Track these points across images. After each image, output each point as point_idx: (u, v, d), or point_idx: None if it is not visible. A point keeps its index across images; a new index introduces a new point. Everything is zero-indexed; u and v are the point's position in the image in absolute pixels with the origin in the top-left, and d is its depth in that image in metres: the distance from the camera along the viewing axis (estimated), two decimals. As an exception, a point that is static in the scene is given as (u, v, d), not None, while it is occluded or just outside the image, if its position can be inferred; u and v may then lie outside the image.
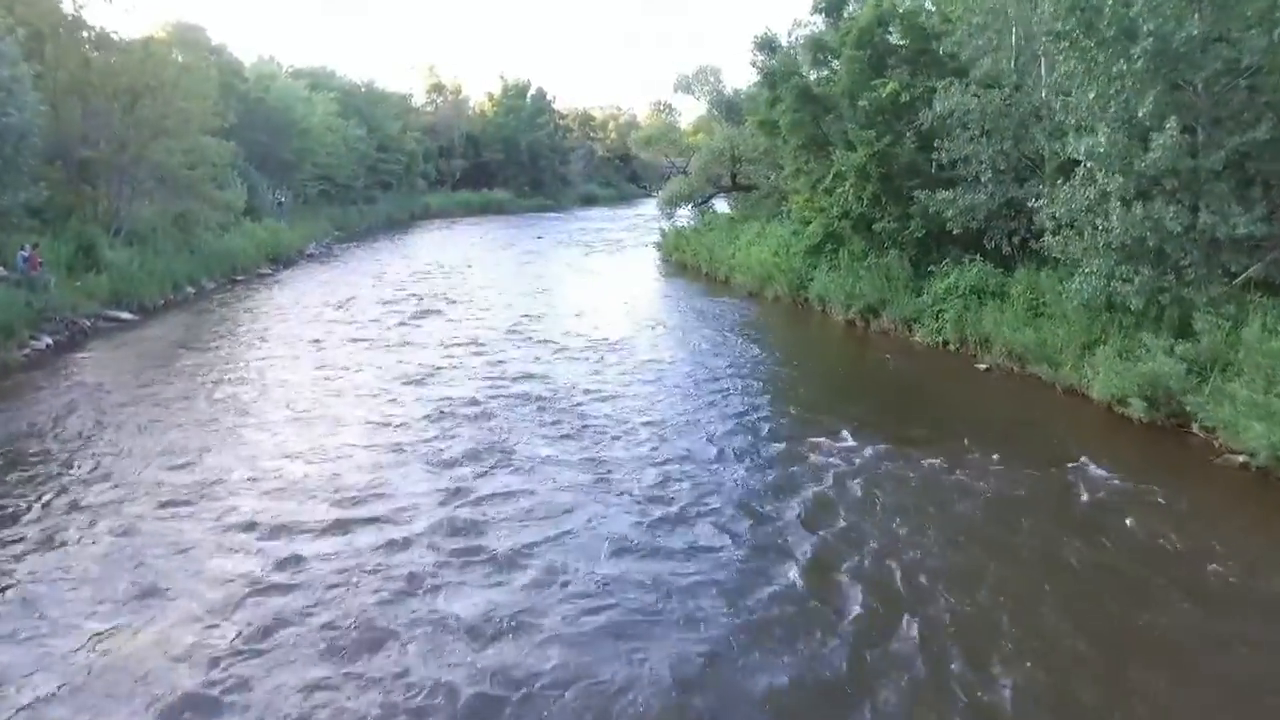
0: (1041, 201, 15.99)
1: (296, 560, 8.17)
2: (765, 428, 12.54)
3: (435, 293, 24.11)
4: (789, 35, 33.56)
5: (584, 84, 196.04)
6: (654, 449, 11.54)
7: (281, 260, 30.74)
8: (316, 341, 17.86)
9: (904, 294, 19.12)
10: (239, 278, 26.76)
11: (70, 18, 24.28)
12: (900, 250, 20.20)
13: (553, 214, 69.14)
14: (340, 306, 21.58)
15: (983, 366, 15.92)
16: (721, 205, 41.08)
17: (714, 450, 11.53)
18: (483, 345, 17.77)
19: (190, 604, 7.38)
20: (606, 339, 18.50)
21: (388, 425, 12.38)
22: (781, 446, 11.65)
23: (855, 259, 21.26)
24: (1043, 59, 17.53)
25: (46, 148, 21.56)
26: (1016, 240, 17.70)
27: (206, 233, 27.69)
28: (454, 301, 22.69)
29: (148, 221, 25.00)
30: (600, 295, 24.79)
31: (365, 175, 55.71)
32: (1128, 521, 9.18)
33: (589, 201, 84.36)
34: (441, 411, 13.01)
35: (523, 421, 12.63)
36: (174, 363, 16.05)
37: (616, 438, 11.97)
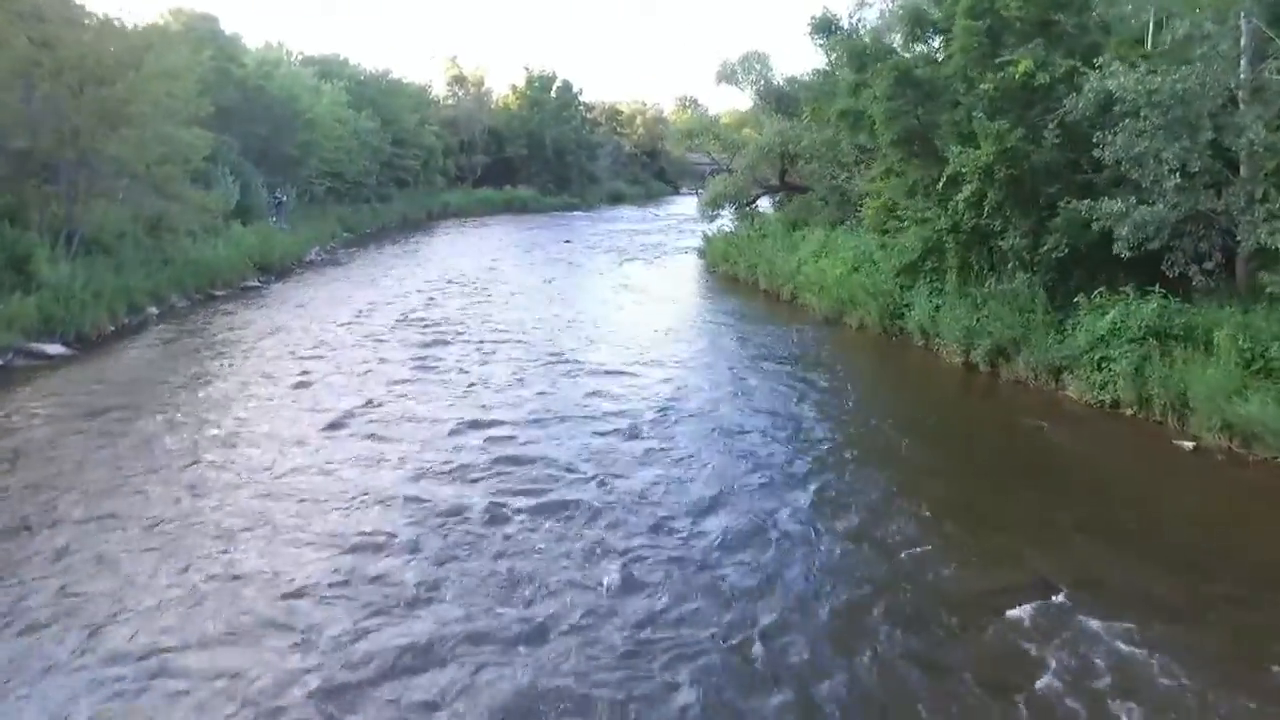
0: (1258, 215, 11.71)
1: None
2: (925, 576, 8.13)
3: (444, 321, 19.83)
4: (850, 17, 29.46)
5: (608, 79, 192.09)
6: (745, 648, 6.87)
7: (274, 269, 26.75)
8: (285, 403, 13.43)
9: (1043, 332, 14.80)
10: (218, 292, 22.78)
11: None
12: (1032, 274, 15.91)
13: (579, 213, 65.06)
14: (324, 345, 17.21)
15: (1188, 445, 11.56)
16: (753, 209, 36.90)
17: (846, 653, 6.87)
18: (498, 416, 12.92)
19: None
20: (662, 398, 14.12)
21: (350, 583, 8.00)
22: (962, 624, 7.30)
23: (970, 282, 16.96)
24: (1244, 21, 13.17)
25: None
26: (1211, 266, 13.35)
27: (186, 239, 23.85)
28: (465, 336, 18.25)
29: (112, 227, 21.11)
30: (644, 323, 20.47)
31: (379, 172, 51.79)
32: None
33: (616, 200, 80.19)
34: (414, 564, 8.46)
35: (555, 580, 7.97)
36: (68, 438, 11.40)
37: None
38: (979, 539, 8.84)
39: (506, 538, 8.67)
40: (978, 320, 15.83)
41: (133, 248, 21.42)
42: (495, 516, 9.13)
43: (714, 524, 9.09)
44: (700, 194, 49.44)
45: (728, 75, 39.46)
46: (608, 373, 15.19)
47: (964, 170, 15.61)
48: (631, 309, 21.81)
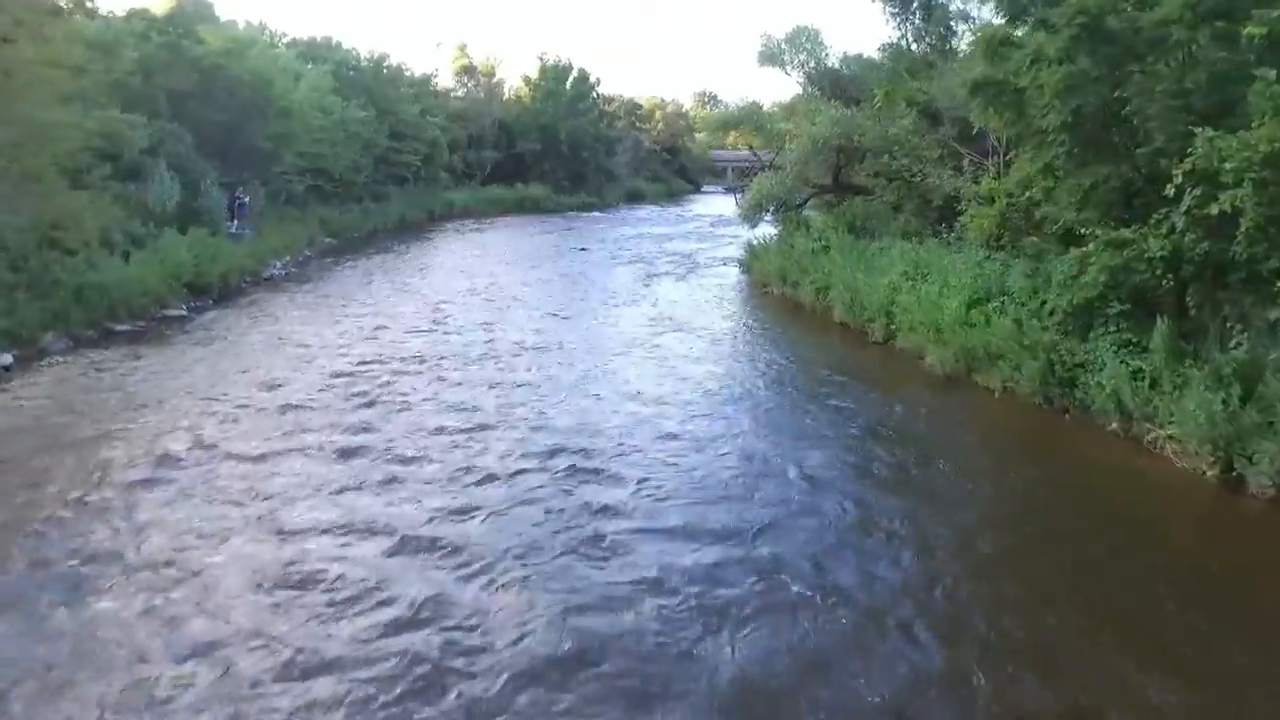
0: None
1: None
2: None
3: (400, 397, 12.79)
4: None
5: (625, 76, 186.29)
6: None
7: (213, 291, 21.06)
8: (155, 542, 7.89)
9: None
10: (121, 327, 17.08)
11: None
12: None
13: (596, 213, 59.36)
14: (231, 422, 11.17)
15: None
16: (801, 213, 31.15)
17: None
18: (480, 577, 7.58)
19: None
20: (730, 529, 8.55)
21: None
22: None
23: (1194, 337, 11.14)
24: None
25: None
26: None
27: (102, 252, 18.32)
28: (445, 406, 12.22)
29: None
30: (688, 380, 14.36)
31: (373, 168, 46.19)
32: None
33: (635, 198, 74.44)
34: None
35: None
36: None
37: None
38: None
39: None
40: (1239, 404, 9.94)
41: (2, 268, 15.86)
42: None
43: None
44: (735, 193, 43.67)
45: (772, 55, 33.58)
46: (645, 533, 8.82)
47: (1226, 167, 9.69)
48: (671, 361, 15.48)
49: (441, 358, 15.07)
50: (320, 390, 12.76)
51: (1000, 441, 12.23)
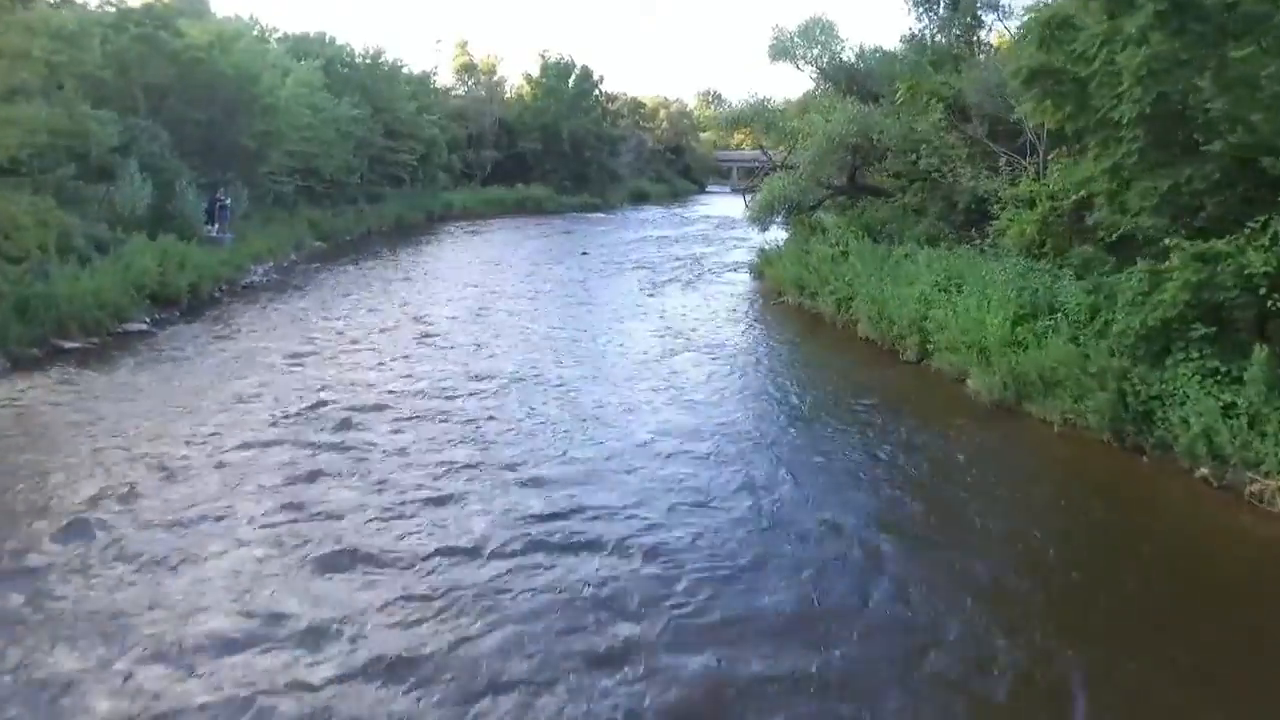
0: None
1: None
2: None
3: (379, 438, 11.05)
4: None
5: (627, 76, 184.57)
6: None
7: (181, 301, 19.36)
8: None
9: None
10: (69, 344, 15.35)
11: None
12: None
13: (599, 215, 57.67)
14: (137, 495, 8.88)
15: None
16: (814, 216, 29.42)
17: None
18: None
19: None
20: (763, 630, 6.87)
21: None
22: None
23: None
24: None
25: None
26: None
27: (59, 260, 16.66)
28: (414, 464, 10.16)
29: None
30: (703, 416, 12.49)
31: (368, 168, 44.50)
32: None
33: (639, 199, 72.70)
34: None
35: None
36: None
37: None
38: None
39: None
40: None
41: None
42: None
43: None
44: (744, 194, 41.83)
45: (783, 49, 31.74)
46: (663, 646, 6.85)
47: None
48: (684, 392, 13.57)
49: (419, 393, 13.09)
50: (267, 444, 10.70)
51: (1066, 489, 10.48)
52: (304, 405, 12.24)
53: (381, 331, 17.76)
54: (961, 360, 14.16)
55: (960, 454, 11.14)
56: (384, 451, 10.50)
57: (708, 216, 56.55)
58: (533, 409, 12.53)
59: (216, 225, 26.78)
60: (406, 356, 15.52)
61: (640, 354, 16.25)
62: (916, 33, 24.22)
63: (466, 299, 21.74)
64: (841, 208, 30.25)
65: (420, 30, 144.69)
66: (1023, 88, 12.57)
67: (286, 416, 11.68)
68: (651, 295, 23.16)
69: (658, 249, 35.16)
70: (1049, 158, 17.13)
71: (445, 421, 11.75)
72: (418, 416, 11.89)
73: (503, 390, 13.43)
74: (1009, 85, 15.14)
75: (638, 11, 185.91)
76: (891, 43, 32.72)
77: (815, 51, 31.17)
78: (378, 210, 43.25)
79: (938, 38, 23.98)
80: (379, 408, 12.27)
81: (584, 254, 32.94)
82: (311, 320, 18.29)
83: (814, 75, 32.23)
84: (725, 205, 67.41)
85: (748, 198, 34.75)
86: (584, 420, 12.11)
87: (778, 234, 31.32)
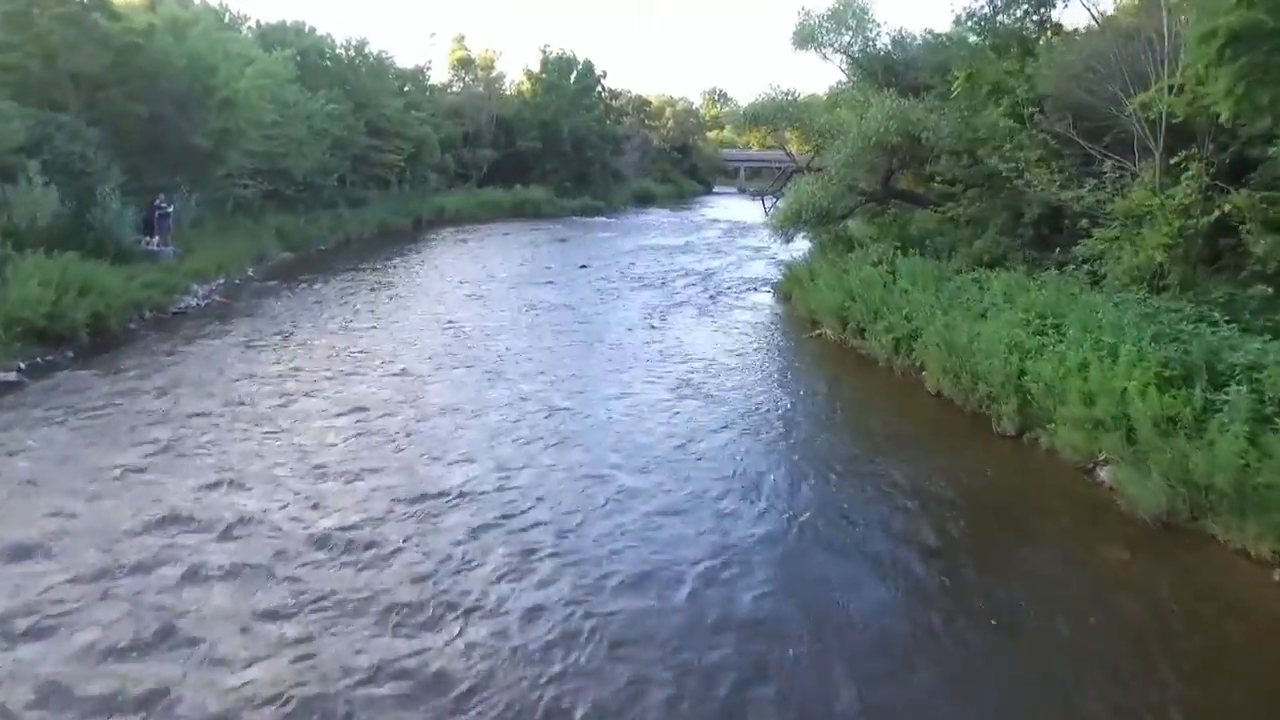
0: None
1: None
2: None
3: (287, 571, 7.53)
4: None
5: (629, 74, 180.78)
6: None
7: (79, 337, 15.56)
8: None
9: None
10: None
11: None
12: None
13: (601, 218, 53.87)
14: None
15: None
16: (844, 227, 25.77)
17: None
18: None
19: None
20: None
21: None
22: None
23: None
24: None
25: None
26: None
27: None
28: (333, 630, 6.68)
29: None
30: (734, 535, 8.83)
31: (350, 169, 40.81)
32: None
33: (644, 200, 68.89)
34: None
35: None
36: None
37: None
38: None
39: None
40: None
41: None
42: None
43: None
44: (760, 196, 37.92)
45: (808, 36, 27.95)
46: None
47: None
48: (706, 491, 9.78)
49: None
50: (115, 600, 7.12)
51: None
52: (194, 505, 8.47)
53: (328, 379, 13.92)
54: (1089, 441, 10.34)
55: (1122, 617, 7.35)
56: (294, 607, 6.74)
57: (717, 221, 52.73)
58: (512, 518, 8.78)
59: (156, 237, 23.10)
60: (325, 454, 10.55)
61: (649, 421, 12.35)
62: (975, 10, 20.30)
63: (444, 330, 17.84)
64: (870, 216, 26.55)
65: (418, 25, 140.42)
66: (1215, 61, 8.72)
67: (152, 549, 7.86)
68: (660, 325, 19.27)
69: (666, 261, 31.32)
70: (1175, 161, 13.27)
71: (393, 559, 7.91)
72: (348, 546, 8.07)
73: (474, 485, 9.63)
74: (1185, 62, 11.28)
75: (638, 11, 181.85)
76: (936, 27, 28.80)
77: (846, 38, 27.39)
78: (359, 215, 39.52)
79: (999, 18, 20.11)
80: (291, 523, 8.49)
81: (582, 267, 29.11)
82: (227, 371, 14.29)
83: (844, 65, 28.44)
84: (735, 207, 63.64)
85: (768, 204, 31.00)
86: (575, 540, 8.35)
87: (800, 244, 27.61)
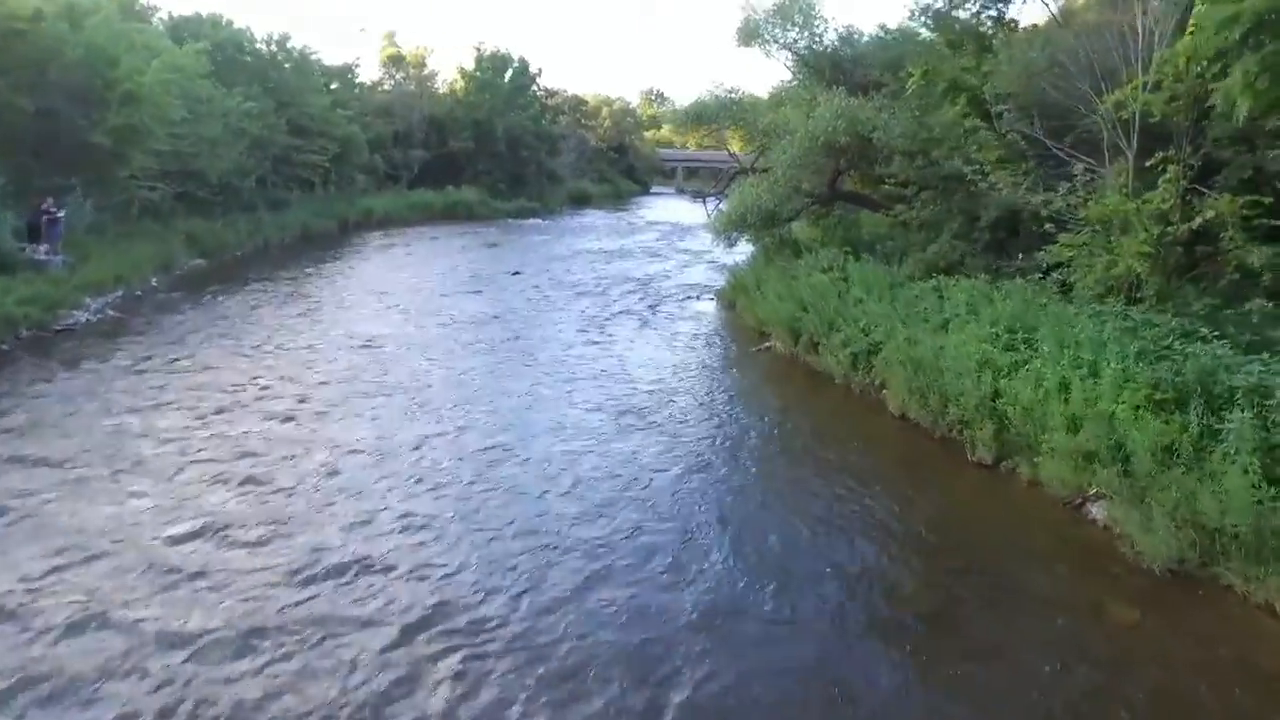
0: None
1: None
2: None
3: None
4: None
5: (566, 74, 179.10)
6: None
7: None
8: None
9: None
10: None
11: None
12: None
13: (537, 220, 52.34)
14: None
15: None
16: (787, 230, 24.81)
17: None
18: None
19: None
20: None
21: None
22: None
23: None
24: None
25: None
26: None
27: None
28: None
29: None
30: (686, 595, 7.79)
31: (270, 170, 38.60)
32: None
33: (580, 201, 67.45)
34: None
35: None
36: None
37: None
38: None
39: None
40: None
41: None
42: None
43: None
44: (700, 198, 36.70)
45: (751, 33, 26.93)
46: None
47: None
48: (652, 543, 8.60)
49: (214, 585, 7.37)
50: None
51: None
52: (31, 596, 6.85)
53: (193, 435, 11.61)
54: (1078, 473, 9.29)
55: (1150, 695, 6.24)
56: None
57: (655, 223, 51.59)
58: (425, 597, 7.32)
59: (44, 245, 21.02)
60: (196, 518, 8.70)
61: (588, 457, 10.97)
62: (929, 5, 19.38)
63: (345, 368, 15.31)
64: (814, 219, 25.57)
65: (347, 21, 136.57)
66: (1240, 45, 7.66)
67: None
68: (599, 342, 17.86)
69: (603, 266, 29.99)
70: (1150, 164, 12.37)
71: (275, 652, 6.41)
72: (216, 649, 6.51)
73: (387, 552, 8.13)
74: (1195, 58, 10.25)
75: (574, 8, 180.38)
76: (889, 23, 28.01)
77: (792, 34, 26.39)
78: (279, 219, 37.36)
79: (956, 13, 19.23)
80: (144, 620, 6.91)
81: (515, 274, 27.61)
82: (102, 403, 12.46)
83: (790, 63, 27.46)
84: (673, 208, 62.63)
85: (709, 205, 29.89)
86: (505, 614, 6.96)
87: (743, 247, 26.55)
